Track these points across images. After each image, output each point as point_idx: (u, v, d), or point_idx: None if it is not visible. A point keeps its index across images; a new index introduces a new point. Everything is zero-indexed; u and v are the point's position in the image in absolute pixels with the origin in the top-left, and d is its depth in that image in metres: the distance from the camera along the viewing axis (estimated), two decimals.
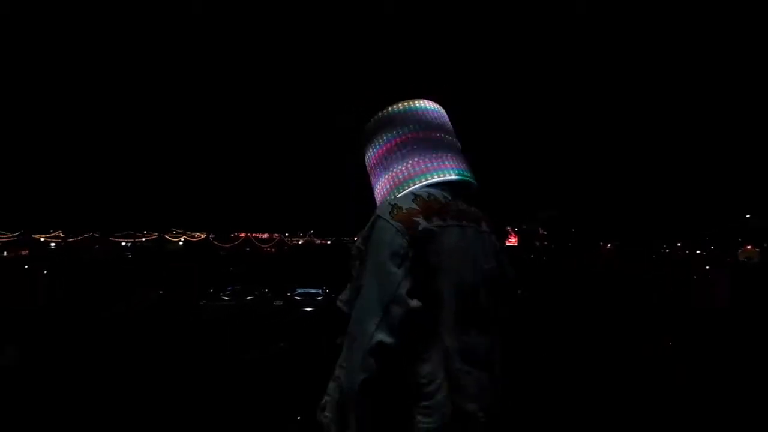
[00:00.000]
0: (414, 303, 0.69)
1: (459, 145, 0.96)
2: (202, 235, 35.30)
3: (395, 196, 0.86)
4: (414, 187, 0.86)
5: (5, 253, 25.04)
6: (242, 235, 36.53)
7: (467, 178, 0.90)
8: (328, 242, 42.97)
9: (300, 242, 43.36)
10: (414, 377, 0.72)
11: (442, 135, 0.94)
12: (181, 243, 34.16)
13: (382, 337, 0.68)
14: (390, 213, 0.76)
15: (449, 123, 0.99)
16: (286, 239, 41.75)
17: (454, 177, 0.88)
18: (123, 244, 30.45)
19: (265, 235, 40.04)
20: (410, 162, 0.91)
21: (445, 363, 0.73)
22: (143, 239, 32.35)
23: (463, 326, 0.76)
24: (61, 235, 28.66)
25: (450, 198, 0.84)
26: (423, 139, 0.93)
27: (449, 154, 0.92)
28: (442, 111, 0.99)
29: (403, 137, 0.93)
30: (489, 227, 0.88)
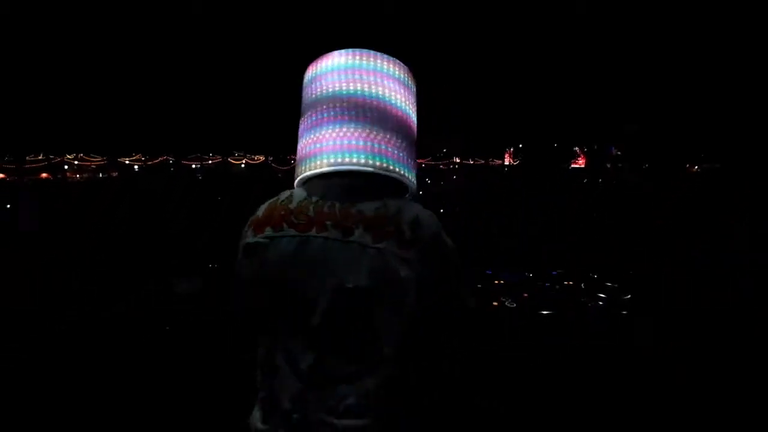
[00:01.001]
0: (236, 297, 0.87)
1: (372, 114, 0.77)
2: (262, 158, 37.13)
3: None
4: (297, 183, 0.84)
5: (100, 174, 29.15)
6: (292, 158, 37.72)
7: (343, 167, 0.75)
8: None
9: None
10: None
11: (333, 105, 0.78)
12: (243, 165, 36.48)
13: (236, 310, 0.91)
14: (253, 216, 0.82)
15: (355, 79, 0.78)
16: None
17: (322, 170, 0.77)
18: (193, 166, 33.30)
19: None
20: (298, 148, 0.84)
21: (270, 359, 0.79)
22: (210, 162, 35.01)
23: (290, 335, 0.77)
24: (142, 158, 31.99)
25: (322, 195, 0.77)
26: (307, 117, 0.83)
27: (331, 133, 0.77)
28: (356, 60, 0.79)
29: (303, 114, 0.85)
30: (376, 236, 0.72)
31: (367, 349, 0.73)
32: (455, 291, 0.81)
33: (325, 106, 0.78)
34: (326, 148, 0.76)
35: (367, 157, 0.75)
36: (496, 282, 1.73)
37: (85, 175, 29.14)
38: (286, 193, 0.81)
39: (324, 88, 0.80)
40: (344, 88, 0.77)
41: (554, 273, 1.90)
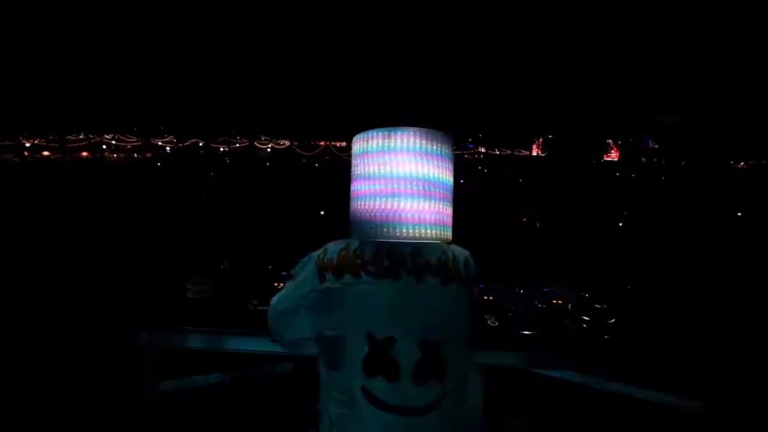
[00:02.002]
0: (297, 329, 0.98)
1: (437, 192, 0.95)
2: (287, 143, 37.64)
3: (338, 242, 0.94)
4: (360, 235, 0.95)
5: (135, 155, 30.56)
6: (321, 143, 37.99)
7: (413, 239, 0.90)
8: None
9: None
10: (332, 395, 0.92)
11: (405, 185, 0.94)
12: (268, 150, 37.13)
13: (278, 326, 1.00)
14: (320, 255, 0.93)
15: (428, 162, 0.96)
16: None
17: (401, 241, 0.90)
18: (221, 149, 34.22)
19: (343, 144, 41.11)
20: (361, 208, 0.96)
21: (347, 393, 0.89)
22: (237, 145, 35.84)
23: (369, 371, 0.88)
24: (174, 140, 33.15)
25: (389, 247, 0.90)
26: (386, 184, 0.95)
27: (403, 213, 0.92)
28: (425, 145, 0.96)
29: (372, 179, 0.96)
30: (445, 280, 0.89)
31: (440, 370, 0.88)
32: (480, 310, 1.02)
33: (402, 182, 0.95)
34: (405, 219, 0.93)
35: (435, 230, 0.95)
36: (486, 297, 1.79)
37: (122, 155, 30.61)
38: (354, 243, 0.93)
39: (400, 167, 0.96)
40: (418, 171, 0.95)
41: (546, 290, 1.93)
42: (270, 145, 37.56)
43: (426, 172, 0.97)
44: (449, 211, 0.99)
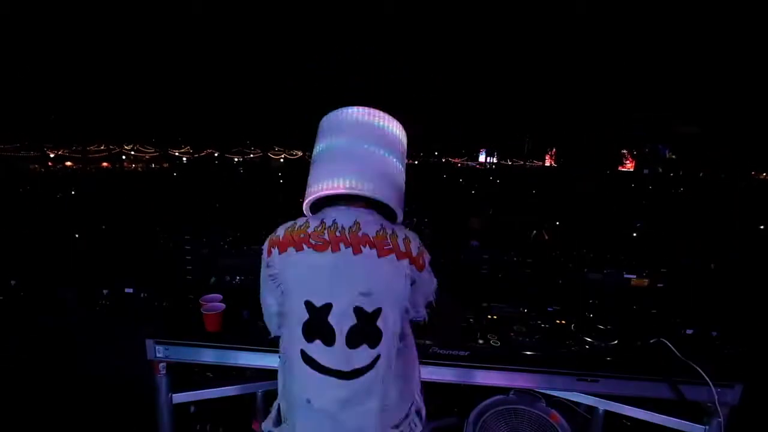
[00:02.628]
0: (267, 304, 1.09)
1: (377, 152, 1.01)
2: (300, 153, 38.24)
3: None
4: (306, 204, 1.04)
5: (153, 165, 31.50)
6: None
7: (354, 192, 0.97)
8: (416, 162, 42.87)
9: None
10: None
11: (347, 144, 1.02)
12: (281, 160, 37.78)
13: (264, 313, 1.12)
14: (273, 234, 1.01)
15: (373, 129, 1.03)
16: None
17: (333, 191, 0.98)
18: (235, 159, 34.95)
19: None
20: (309, 179, 1.04)
21: (290, 360, 1.00)
22: (251, 156, 36.59)
23: (308, 335, 0.97)
24: (190, 150, 34.08)
25: (333, 222, 0.98)
26: (324, 154, 1.04)
27: (343, 167, 0.99)
28: (365, 118, 1.04)
29: (316, 152, 1.07)
30: (381, 252, 0.95)
31: (373, 341, 0.97)
32: (429, 295, 1.06)
33: (347, 155, 1.00)
34: (347, 189, 0.97)
35: (376, 208, 1.01)
36: (489, 317, 1.82)
37: (140, 165, 31.58)
38: (302, 220, 1.01)
39: (346, 136, 1.02)
40: (367, 144, 1.01)
41: (550, 309, 1.94)
42: (283, 156, 38.23)
43: (374, 147, 1.02)
44: (396, 192, 1.03)
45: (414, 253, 0.97)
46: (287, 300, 0.99)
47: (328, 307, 0.94)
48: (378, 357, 0.97)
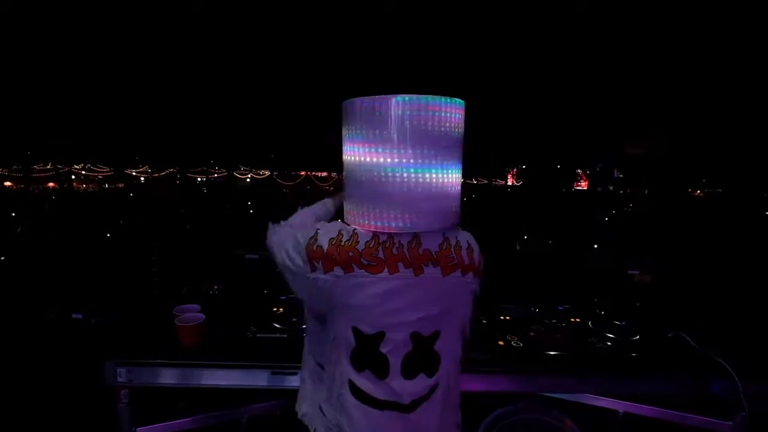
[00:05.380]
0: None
1: (438, 172, 0.84)
2: (267, 173, 37.40)
3: (329, 221, 0.95)
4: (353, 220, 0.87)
5: (106, 185, 29.49)
6: (303, 173, 37.95)
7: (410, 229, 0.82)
8: None
9: None
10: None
11: (401, 164, 0.81)
12: (248, 180, 36.72)
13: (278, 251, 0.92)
14: (310, 240, 0.83)
15: (429, 135, 0.81)
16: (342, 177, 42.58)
17: (397, 230, 0.83)
18: (198, 179, 33.55)
19: (324, 174, 41.26)
20: (356, 197, 0.85)
21: (336, 390, 0.85)
22: (216, 175, 35.29)
23: (358, 366, 0.83)
24: (149, 170, 32.31)
25: (389, 236, 0.82)
26: (375, 173, 0.83)
27: (398, 205, 0.81)
28: (419, 122, 0.80)
29: (359, 154, 0.84)
30: (446, 269, 0.81)
31: (431, 368, 0.84)
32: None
33: (404, 157, 0.82)
34: (391, 215, 0.82)
35: (438, 217, 0.85)
36: (502, 318, 1.67)
37: (92, 186, 29.42)
38: (348, 230, 0.83)
39: (402, 138, 0.82)
40: (424, 144, 0.82)
41: (561, 308, 1.83)
42: (249, 175, 37.20)
43: (432, 145, 0.82)
44: (457, 204, 0.88)
45: (477, 263, 0.85)
46: (331, 319, 0.84)
47: (380, 336, 0.81)
48: (436, 385, 0.84)
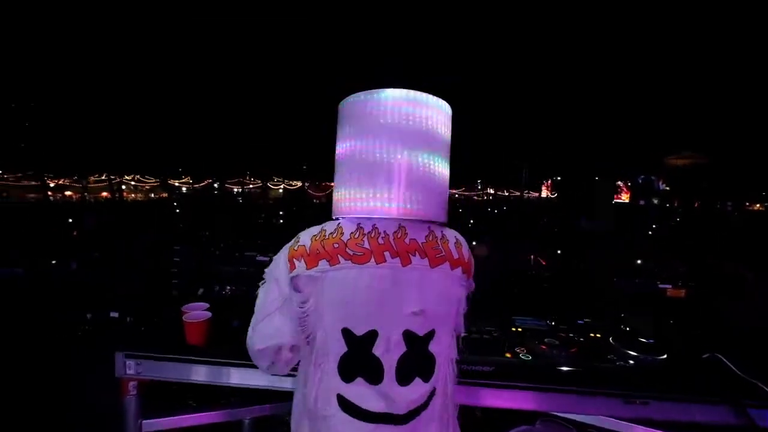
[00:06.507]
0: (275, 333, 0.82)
1: (424, 159, 0.81)
2: (299, 184, 38.52)
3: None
4: (341, 212, 0.84)
5: (152, 195, 31.59)
6: (333, 184, 38.64)
7: (401, 210, 0.79)
8: None
9: None
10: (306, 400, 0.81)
11: (392, 147, 0.80)
12: (281, 190, 37.98)
13: (256, 341, 0.83)
14: (291, 245, 0.81)
15: (414, 125, 0.81)
16: None
17: (384, 215, 0.80)
18: (235, 190, 35.13)
19: None
20: (344, 184, 0.84)
21: (321, 412, 0.78)
22: (251, 186, 36.81)
23: (346, 374, 0.77)
24: (190, 180, 34.24)
25: (373, 226, 0.79)
26: (363, 157, 0.82)
27: (385, 184, 0.79)
28: (404, 109, 0.81)
29: (349, 146, 0.83)
30: (433, 261, 0.78)
31: (426, 372, 0.79)
32: (467, 300, 0.89)
33: (389, 147, 0.81)
34: (390, 193, 0.79)
35: (424, 207, 0.81)
36: (514, 329, 1.59)
37: (139, 195, 31.60)
38: (331, 225, 0.81)
39: (387, 128, 0.82)
40: (411, 136, 0.82)
41: (580, 322, 1.71)
42: (283, 186, 38.46)
43: (420, 138, 0.83)
44: (445, 198, 0.86)
45: (466, 259, 0.82)
46: (317, 329, 0.78)
47: (372, 335, 0.76)
48: (434, 391, 0.79)
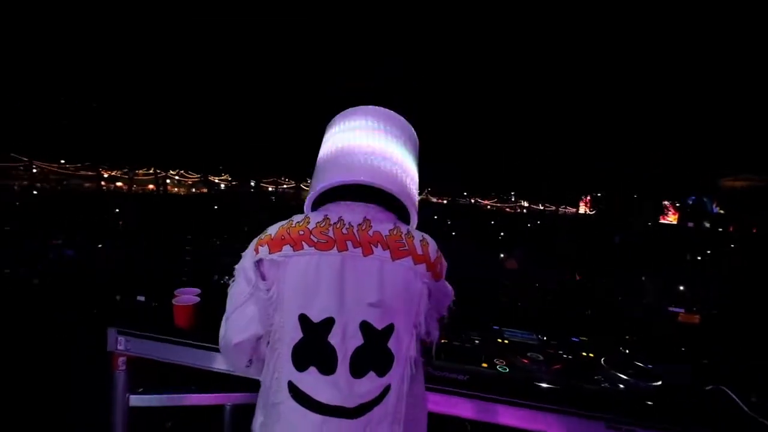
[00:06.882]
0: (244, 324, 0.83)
1: (389, 152, 0.86)
2: None
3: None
4: (309, 200, 0.88)
5: (193, 190, 33.46)
6: None
7: (359, 182, 0.82)
8: (444, 201, 42.71)
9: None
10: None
11: (357, 141, 0.87)
12: None
13: (231, 335, 0.84)
14: (261, 234, 0.82)
15: (391, 119, 0.91)
16: None
17: (335, 181, 0.83)
18: (269, 189, 36.42)
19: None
20: (315, 172, 0.90)
21: (273, 400, 0.79)
22: (284, 186, 38.01)
23: (300, 362, 0.77)
24: (228, 178, 35.93)
25: (339, 218, 0.81)
26: (336, 142, 0.89)
27: (349, 163, 0.84)
28: (379, 117, 0.91)
29: (324, 146, 0.92)
30: (395, 254, 0.79)
31: (382, 367, 0.78)
32: (442, 310, 0.88)
33: (358, 152, 0.86)
34: (359, 160, 0.84)
35: (395, 181, 0.84)
36: (500, 341, 1.53)
37: (182, 189, 33.52)
38: (300, 216, 0.84)
39: (358, 139, 0.89)
40: (378, 143, 0.88)
41: (575, 339, 1.63)
42: None
43: (387, 147, 0.88)
44: (411, 192, 0.88)
45: (432, 258, 0.81)
46: (276, 315, 0.79)
47: (329, 322, 0.76)
48: (388, 387, 0.78)
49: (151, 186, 30.96)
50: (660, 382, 1.34)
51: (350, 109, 0.94)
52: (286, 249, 0.78)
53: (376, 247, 0.78)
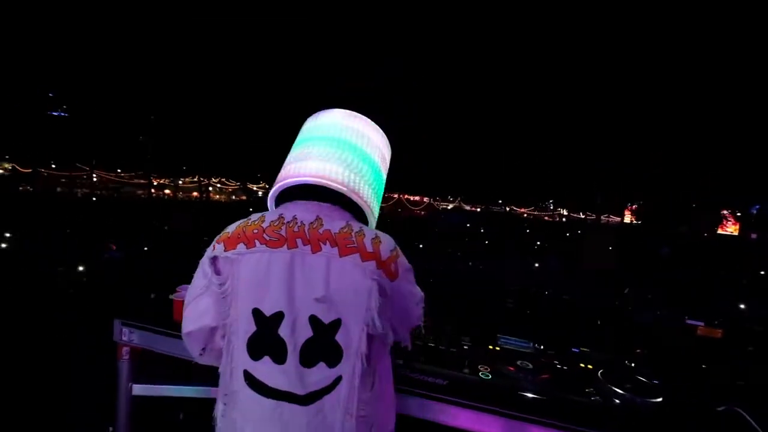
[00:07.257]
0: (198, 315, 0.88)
1: (345, 154, 0.91)
2: None
3: None
4: (270, 200, 0.97)
5: (233, 197, 35.20)
6: (395, 195, 39.19)
7: (306, 180, 0.88)
8: (478, 209, 41.82)
9: (449, 207, 43.69)
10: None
11: (314, 143, 0.94)
12: None
13: (184, 324, 0.90)
14: (221, 233, 0.88)
15: (344, 129, 0.96)
16: (434, 203, 42.77)
17: (297, 178, 0.89)
18: None
19: (416, 198, 41.86)
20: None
21: (230, 388, 0.84)
22: None
23: (254, 352, 0.81)
24: (266, 186, 37.44)
25: (292, 217, 0.85)
26: (296, 146, 0.99)
27: (302, 164, 0.91)
28: (337, 118, 0.98)
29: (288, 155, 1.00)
30: (343, 251, 0.80)
31: (332, 359, 0.81)
32: (411, 312, 0.87)
33: (317, 144, 0.95)
34: (310, 158, 0.91)
35: (343, 179, 0.88)
36: (491, 347, 1.49)
37: (222, 197, 35.37)
38: (257, 215, 0.88)
39: (320, 131, 0.97)
40: (337, 135, 0.95)
41: (575, 350, 1.54)
42: None
43: (341, 148, 0.93)
44: (371, 192, 0.92)
45: (383, 257, 0.81)
46: (232, 309, 0.84)
47: (279, 316, 0.80)
48: (339, 378, 0.80)
49: (195, 193, 32.93)
50: (660, 399, 1.23)
51: (319, 111, 1.01)
52: (240, 247, 0.82)
53: (325, 244, 0.80)
